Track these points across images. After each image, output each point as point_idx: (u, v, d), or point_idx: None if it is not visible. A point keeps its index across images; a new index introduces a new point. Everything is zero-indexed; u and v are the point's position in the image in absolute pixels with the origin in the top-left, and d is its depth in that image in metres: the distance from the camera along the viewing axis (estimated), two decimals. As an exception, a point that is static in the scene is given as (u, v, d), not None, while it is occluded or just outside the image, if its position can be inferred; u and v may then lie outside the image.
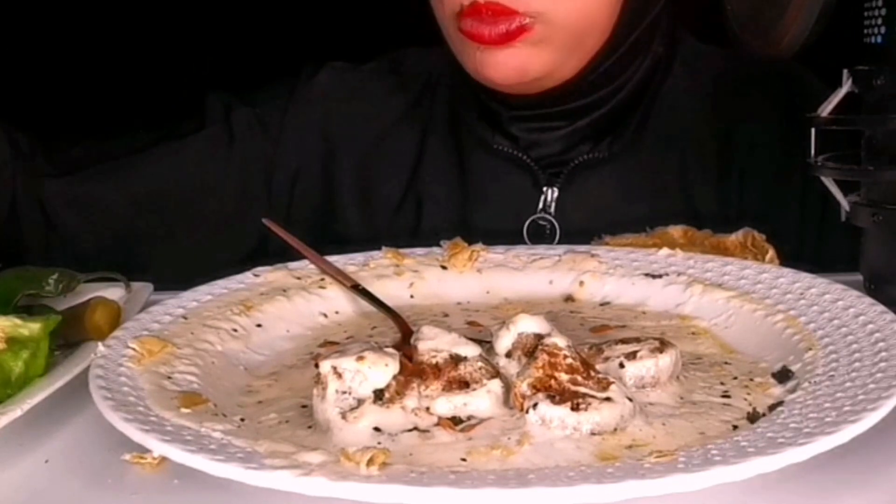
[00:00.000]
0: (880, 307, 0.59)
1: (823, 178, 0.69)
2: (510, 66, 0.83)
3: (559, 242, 0.89)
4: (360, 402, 0.50)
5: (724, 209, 0.92)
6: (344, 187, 0.99)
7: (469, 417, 0.50)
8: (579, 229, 0.85)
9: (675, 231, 0.78)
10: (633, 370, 0.54)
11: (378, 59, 1.05)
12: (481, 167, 0.95)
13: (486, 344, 0.55)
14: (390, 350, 0.52)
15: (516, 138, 0.92)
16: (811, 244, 0.90)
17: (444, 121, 0.98)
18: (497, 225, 0.92)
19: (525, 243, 0.89)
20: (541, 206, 0.92)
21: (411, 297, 0.72)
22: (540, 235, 0.91)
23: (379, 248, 0.75)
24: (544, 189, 0.92)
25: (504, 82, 0.85)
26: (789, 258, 0.72)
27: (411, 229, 0.96)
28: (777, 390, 0.54)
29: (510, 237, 0.79)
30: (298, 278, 0.71)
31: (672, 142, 0.93)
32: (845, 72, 0.67)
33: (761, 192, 0.92)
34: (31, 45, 2.29)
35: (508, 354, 0.55)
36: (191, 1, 2.22)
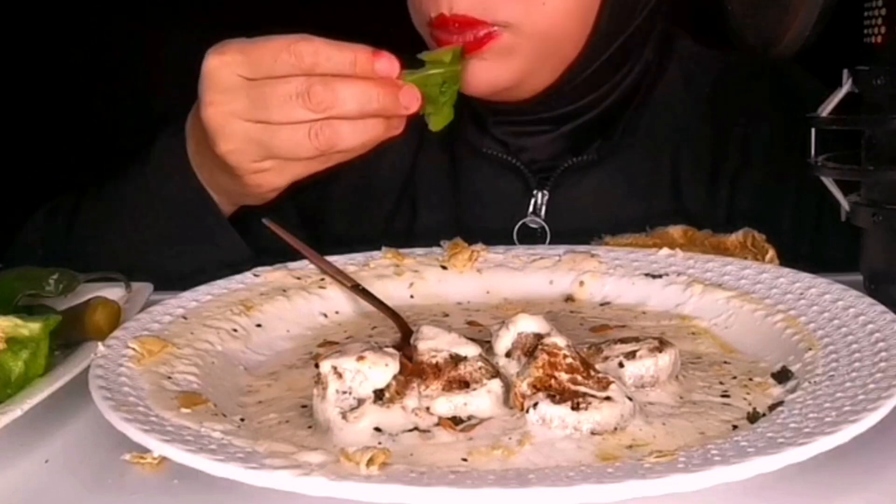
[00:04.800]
0: (880, 307, 0.59)
1: (823, 178, 0.69)
2: (481, 79, 0.83)
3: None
4: (361, 402, 0.50)
5: (718, 210, 0.92)
6: (338, 190, 0.99)
7: (469, 417, 0.50)
8: (570, 232, 0.85)
9: (675, 231, 0.79)
10: (632, 370, 0.54)
11: None
12: (473, 171, 0.95)
13: (485, 344, 0.55)
14: (390, 350, 0.52)
15: (505, 143, 0.93)
16: (808, 243, 0.90)
17: None
18: (488, 228, 0.92)
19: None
20: (531, 209, 0.92)
21: (411, 297, 0.72)
22: (530, 238, 0.91)
23: (374, 249, 0.75)
24: (534, 192, 0.92)
25: (475, 93, 0.85)
26: (786, 258, 0.72)
27: (405, 232, 0.96)
28: (776, 390, 0.54)
29: (501, 240, 0.79)
30: (298, 278, 0.71)
31: (664, 143, 0.93)
32: (845, 72, 0.67)
33: (757, 192, 0.92)
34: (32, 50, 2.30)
35: (508, 354, 0.55)
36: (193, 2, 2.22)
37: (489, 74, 0.83)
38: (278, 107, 0.69)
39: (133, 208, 0.84)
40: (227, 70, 0.71)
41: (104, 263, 0.75)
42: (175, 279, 0.71)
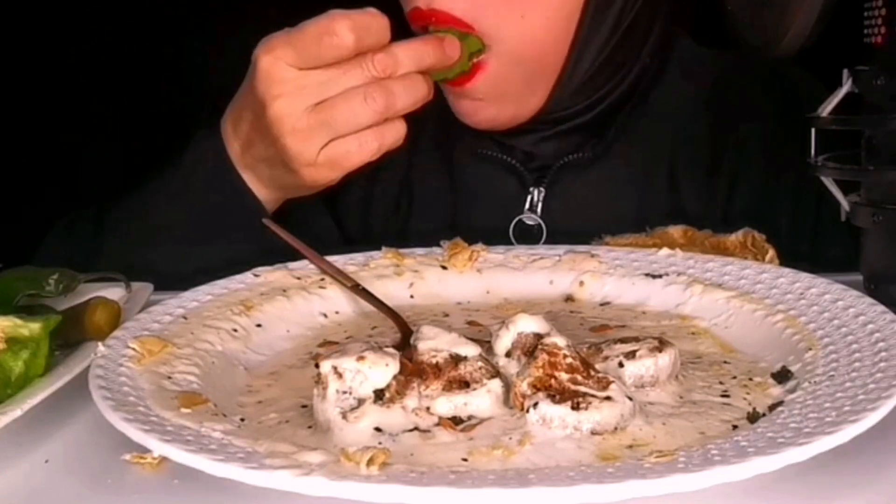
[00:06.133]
0: (880, 307, 0.59)
1: (823, 178, 0.69)
2: (482, 118, 0.87)
3: (545, 243, 0.90)
4: (361, 402, 0.50)
5: (717, 210, 0.92)
6: (337, 188, 0.99)
7: (469, 417, 0.50)
8: (566, 229, 0.85)
9: (675, 231, 0.79)
10: (632, 369, 0.54)
11: None
12: (469, 169, 0.95)
13: (485, 344, 0.55)
14: (390, 350, 0.52)
15: (501, 142, 0.93)
16: (807, 243, 0.90)
17: (432, 123, 0.98)
18: (485, 225, 0.92)
19: (512, 243, 0.89)
20: (527, 206, 0.92)
21: (411, 297, 0.72)
22: (527, 235, 0.91)
23: (374, 249, 0.75)
24: (531, 190, 0.92)
25: (478, 128, 0.89)
26: (786, 258, 0.72)
27: (400, 230, 0.96)
28: (776, 390, 0.54)
29: (498, 237, 0.79)
30: (298, 278, 0.71)
31: (662, 142, 0.93)
32: (845, 72, 0.67)
33: (756, 192, 0.92)
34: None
35: (508, 354, 0.55)
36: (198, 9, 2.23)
37: (488, 113, 0.86)
38: (343, 86, 0.72)
39: (167, 213, 0.85)
40: (279, 64, 0.73)
41: (133, 267, 0.75)
42: (204, 275, 0.71)
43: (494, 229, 0.91)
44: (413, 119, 0.79)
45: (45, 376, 0.57)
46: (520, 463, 0.46)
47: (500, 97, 0.85)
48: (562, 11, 0.83)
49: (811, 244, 0.90)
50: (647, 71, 0.92)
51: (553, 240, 0.86)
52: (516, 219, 0.92)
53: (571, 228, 0.82)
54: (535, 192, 0.92)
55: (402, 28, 0.86)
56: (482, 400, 0.51)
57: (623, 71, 0.90)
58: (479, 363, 0.52)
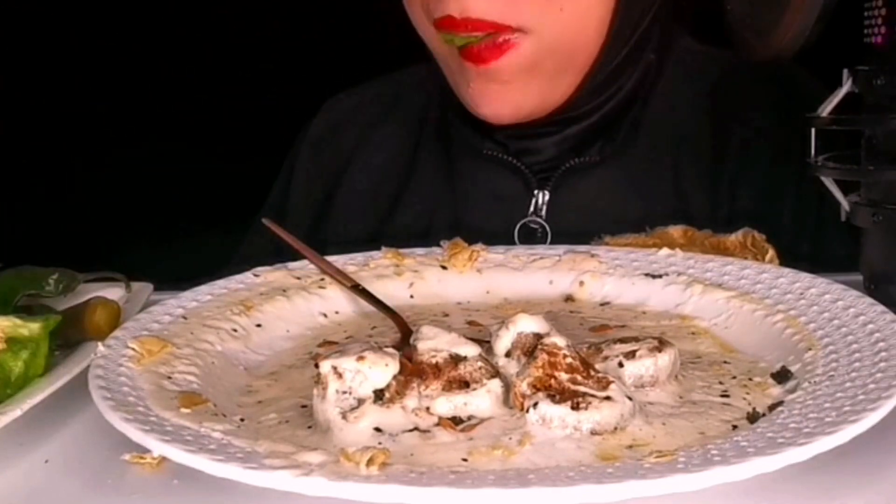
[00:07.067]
0: (880, 307, 0.59)
1: (823, 178, 0.69)
2: (505, 101, 0.84)
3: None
4: (361, 402, 0.50)
5: (718, 210, 0.92)
6: (340, 192, 1.00)
7: (469, 417, 0.50)
8: (570, 232, 0.85)
9: (675, 231, 0.78)
10: (632, 369, 0.54)
11: (377, 78, 1.08)
12: (472, 171, 0.95)
13: (485, 344, 0.55)
14: (390, 350, 0.52)
15: (506, 144, 0.93)
16: (808, 243, 0.90)
17: (435, 127, 0.98)
18: (488, 228, 0.92)
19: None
20: (532, 209, 0.92)
21: (411, 297, 0.72)
22: (531, 238, 0.91)
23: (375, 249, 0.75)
24: (535, 192, 0.92)
25: (497, 120, 0.86)
26: (786, 258, 0.72)
27: (403, 234, 0.96)
28: (776, 390, 0.54)
29: (502, 240, 0.79)
30: (298, 278, 0.71)
31: (665, 144, 0.93)
32: (845, 72, 0.67)
33: (757, 192, 0.92)
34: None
35: (508, 354, 0.55)
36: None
37: (511, 100, 0.84)
38: None
39: None
40: None
41: None
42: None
43: (498, 232, 0.91)
44: (417, 119, 0.79)
45: (45, 376, 0.57)
46: (520, 463, 0.46)
47: (527, 84, 0.84)
48: (599, 5, 0.83)
49: (812, 244, 0.90)
50: (650, 69, 0.92)
51: (557, 243, 0.86)
52: (521, 222, 0.92)
53: (576, 232, 0.82)
54: (540, 195, 0.92)
55: (407, 36, 0.86)
56: (482, 400, 0.51)
57: (628, 72, 0.90)
58: (479, 363, 0.52)
